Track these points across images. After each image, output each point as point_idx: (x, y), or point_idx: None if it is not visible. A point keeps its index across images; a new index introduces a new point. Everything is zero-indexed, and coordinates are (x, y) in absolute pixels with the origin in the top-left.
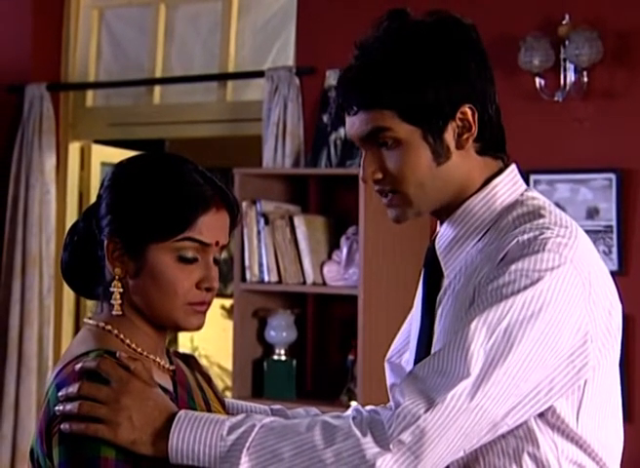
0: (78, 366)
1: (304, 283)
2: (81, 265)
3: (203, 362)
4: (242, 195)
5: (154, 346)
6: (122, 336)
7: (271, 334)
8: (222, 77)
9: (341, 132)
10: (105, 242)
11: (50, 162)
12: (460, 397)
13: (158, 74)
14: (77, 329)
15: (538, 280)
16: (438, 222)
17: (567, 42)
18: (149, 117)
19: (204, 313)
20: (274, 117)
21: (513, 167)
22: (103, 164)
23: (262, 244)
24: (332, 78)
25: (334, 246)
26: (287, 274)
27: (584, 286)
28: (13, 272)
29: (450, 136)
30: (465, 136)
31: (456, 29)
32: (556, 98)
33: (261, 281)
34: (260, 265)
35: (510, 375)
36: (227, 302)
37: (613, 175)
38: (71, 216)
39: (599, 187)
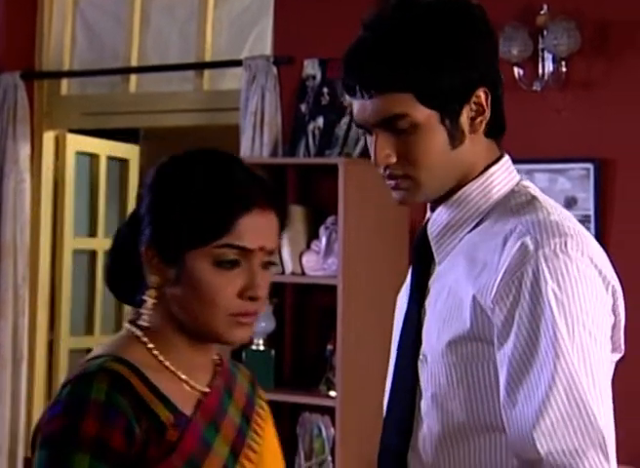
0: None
1: (283, 272)
2: (123, 272)
3: None
4: None
5: (189, 363)
6: (154, 350)
7: None
8: (199, 66)
9: (320, 121)
10: (143, 248)
11: (24, 151)
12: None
13: (134, 63)
14: (52, 319)
15: (565, 300)
16: (429, 208)
17: (545, 32)
18: (125, 106)
19: (250, 325)
20: (252, 106)
21: (507, 157)
22: (78, 153)
23: None
24: (310, 67)
25: (313, 236)
26: None
27: (604, 290)
28: None
29: (465, 120)
30: (479, 120)
31: (466, 11)
32: (534, 88)
33: None
34: None
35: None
36: None
37: (591, 165)
38: (46, 205)
39: (577, 177)
